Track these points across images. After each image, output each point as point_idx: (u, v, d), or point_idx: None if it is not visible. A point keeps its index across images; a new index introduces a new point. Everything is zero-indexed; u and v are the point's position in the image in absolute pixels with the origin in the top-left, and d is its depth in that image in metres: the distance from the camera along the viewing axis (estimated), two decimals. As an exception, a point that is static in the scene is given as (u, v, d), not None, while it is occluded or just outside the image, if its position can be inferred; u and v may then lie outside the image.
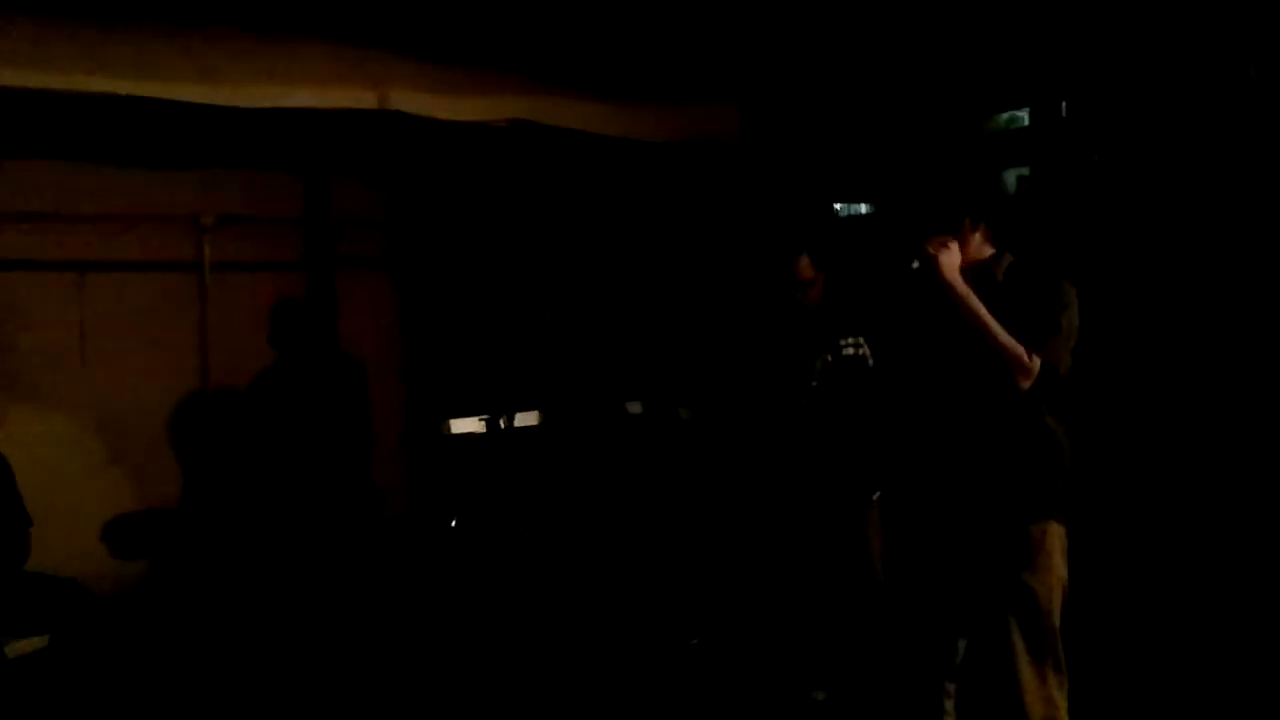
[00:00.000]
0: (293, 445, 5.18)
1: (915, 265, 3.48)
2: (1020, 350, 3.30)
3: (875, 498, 4.65)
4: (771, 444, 4.87)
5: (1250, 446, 4.51)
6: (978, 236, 3.52)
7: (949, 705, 3.57)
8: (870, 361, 4.64)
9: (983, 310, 3.35)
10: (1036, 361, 3.30)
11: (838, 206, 6.51)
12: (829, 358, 4.63)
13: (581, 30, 5.36)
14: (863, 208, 6.52)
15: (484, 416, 5.89)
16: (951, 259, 3.40)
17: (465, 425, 5.95)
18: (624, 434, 6.21)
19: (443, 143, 5.75)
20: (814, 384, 4.62)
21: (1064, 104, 5.45)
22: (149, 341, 5.60)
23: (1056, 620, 3.39)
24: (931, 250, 3.43)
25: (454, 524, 5.74)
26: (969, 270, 3.48)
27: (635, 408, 6.30)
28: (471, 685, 4.94)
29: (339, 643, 5.02)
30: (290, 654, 4.95)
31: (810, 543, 4.71)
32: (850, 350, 4.66)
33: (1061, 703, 3.39)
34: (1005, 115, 5.77)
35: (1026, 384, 3.31)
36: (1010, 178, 5.59)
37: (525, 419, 5.94)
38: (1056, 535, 3.40)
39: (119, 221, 5.51)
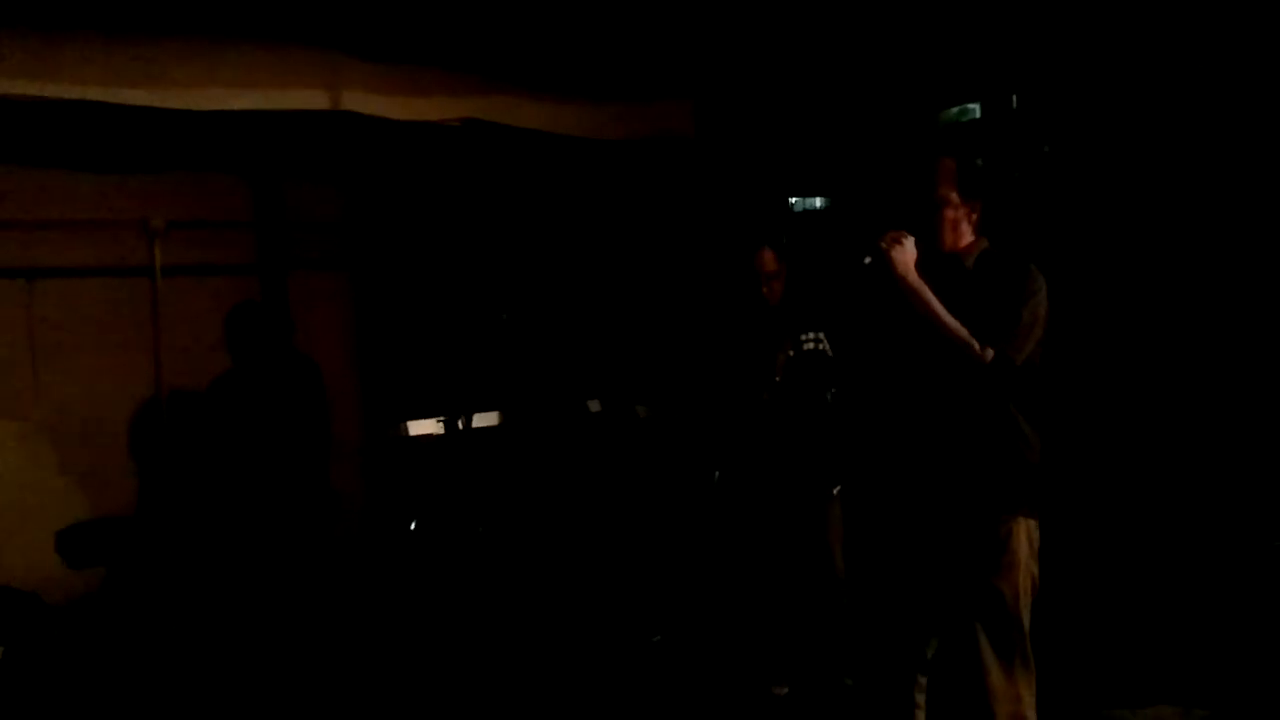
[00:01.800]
0: (249, 450, 5.13)
1: (867, 260, 3.46)
2: (971, 341, 3.29)
3: (836, 492, 4.67)
4: (734, 439, 4.87)
5: (1218, 436, 4.56)
6: (966, 225, 3.50)
7: (920, 698, 3.56)
8: (830, 356, 4.66)
9: (935, 303, 3.34)
10: (989, 352, 3.29)
11: (792, 200, 6.53)
12: (791, 352, 4.64)
13: (534, 29, 5.35)
14: (817, 202, 6.54)
15: (442, 418, 5.86)
16: (905, 254, 3.38)
17: (423, 427, 5.92)
18: (585, 432, 6.20)
19: (396, 143, 5.73)
20: (776, 379, 4.63)
21: (1015, 97, 5.50)
22: (101, 348, 5.54)
23: (1025, 618, 3.36)
24: (884, 245, 3.42)
25: (413, 526, 5.71)
26: (940, 260, 3.48)
27: (591, 406, 6.29)
28: (433, 686, 4.92)
29: (298, 648, 4.99)
30: (249, 660, 4.91)
31: (771, 537, 4.72)
32: (811, 345, 4.66)
33: (1029, 699, 3.37)
34: (955, 108, 5.81)
35: (980, 373, 3.32)
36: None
37: (484, 419, 5.92)
38: (1024, 532, 3.37)
39: (68, 227, 5.45)
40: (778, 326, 4.67)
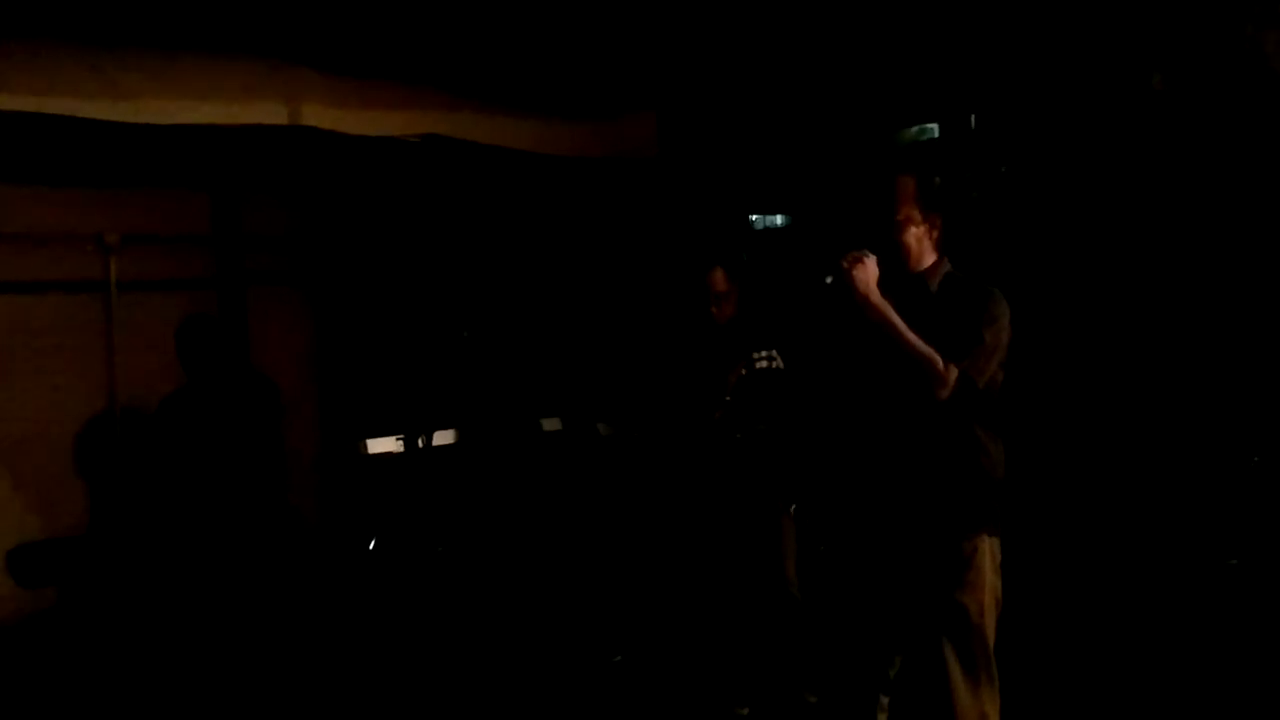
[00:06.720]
0: (203, 468, 5.07)
1: (829, 280, 3.47)
2: (936, 360, 3.30)
3: (792, 510, 4.66)
4: (684, 459, 4.86)
5: (1174, 451, 4.61)
6: (928, 242, 3.52)
7: (882, 718, 3.57)
8: (783, 374, 4.65)
9: (898, 322, 3.35)
10: (953, 372, 3.31)
11: (753, 218, 6.55)
12: (743, 371, 4.64)
13: (498, 45, 5.34)
14: (778, 219, 6.57)
15: (401, 436, 5.81)
16: (866, 274, 3.40)
17: (382, 445, 5.87)
18: (538, 451, 6.17)
19: (355, 158, 5.69)
20: (727, 398, 4.62)
21: (973, 117, 5.55)
22: (54, 364, 5.44)
23: (989, 635, 3.39)
24: (846, 264, 3.43)
25: (372, 545, 5.66)
26: (904, 281, 3.49)
27: (552, 424, 6.26)
28: (391, 707, 4.88)
29: (254, 669, 4.93)
30: (204, 681, 4.84)
31: (723, 556, 4.71)
32: (764, 363, 4.66)
33: (994, 716, 3.40)
34: (914, 128, 5.86)
35: (944, 393, 3.33)
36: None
37: (443, 438, 5.88)
38: (988, 549, 3.39)
39: (21, 240, 5.36)
40: (728, 345, 4.67)
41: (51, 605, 5.37)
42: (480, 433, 6.14)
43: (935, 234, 3.51)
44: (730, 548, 4.69)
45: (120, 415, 5.58)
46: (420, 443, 5.67)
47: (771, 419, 4.63)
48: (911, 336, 3.33)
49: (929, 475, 3.42)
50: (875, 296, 3.38)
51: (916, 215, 3.49)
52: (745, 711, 4.66)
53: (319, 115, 5.13)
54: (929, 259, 3.52)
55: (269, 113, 5.03)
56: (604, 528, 5.94)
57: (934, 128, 5.77)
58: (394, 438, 5.83)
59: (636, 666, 5.26)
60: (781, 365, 4.64)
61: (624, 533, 5.85)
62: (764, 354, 4.65)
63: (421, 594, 5.55)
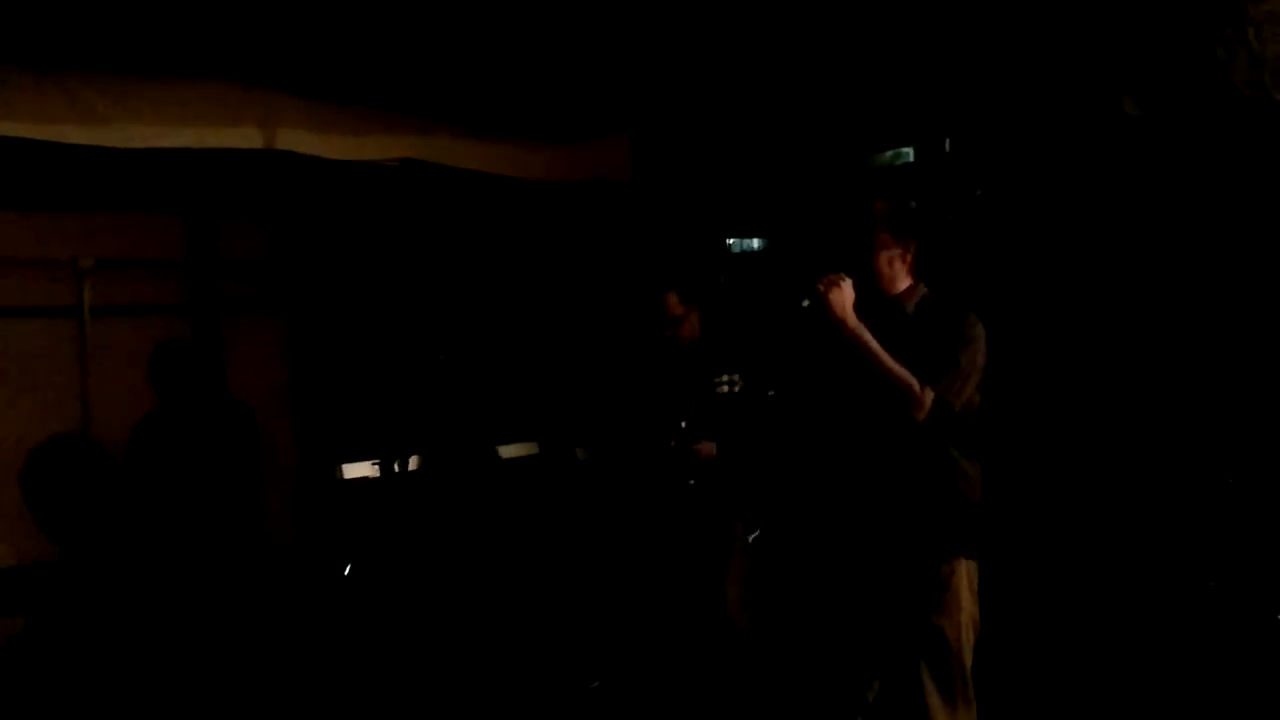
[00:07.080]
0: (176, 494, 5.02)
1: (805, 303, 3.48)
2: (913, 383, 3.32)
3: (752, 538, 4.62)
4: (641, 485, 4.82)
5: (1153, 474, 4.62)
6: (901, 267, 3.53)
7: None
8: (743, 398, 4.60)
9: (874, 345, 3.36)
10: (929, 395, 3.33)
11: (730, 242, 6.56)
12: (693, 405, 4.58)
13: (474, 70, 5.35)
14: (755, 243, 6.58)
15: (377, 461, 5.78)
16: (842, 297, 3.41)
17: (358, 470, 5.84)
18: (496, 478, 6.12)
19: (332, 182, 5.67)
20: (683, 425, 4.55)
21: (947, 141, 5.58)
22: (26, 389, 5.40)
23: (967, 659, 3.40)
24: (822, 288, 3.44)
25: (348, 571, 5.61)
26: (880, 304, 3.50)
27: (512, 451, 6.21)
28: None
29: (227, 695, 4.87)
30: (176, 708, 4.78)
31: (667, 583, 4.67)
32: (725, 388, 4.61)
33: None
34: (889, 152, 5.88)
35: (920, 416, 3.34)
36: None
37: (419, 462, 5.85)
38: (965, 572, 3.41)
39: (-8, 266, 5.33)
40: (688, 370, 4.63)
41: (19, 633, 5.30)
42: (438, 459, 6.10)
43: (910, 258, 3.53)
44: (674, 574, 4.64)
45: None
46: (396, 467, 5.64)
47: (731, 445, 4.59)
48: (887, 359, 3.34)
49: (906, 498, 3.42)
50: (851, 319, 3.40)
51: (891, 239, 3.51)
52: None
53: (295, 139, 5.11)
54: (904, 282, 3.54)
55: (244, 136, 5.00)
56: (580, 552, 5.91)
57: (909, 152, 5.79)
58: (370, 462, 5.80)
59: (615, 692, 5.22)
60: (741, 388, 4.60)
61: (598, 557, 5.82)
62: (726, 379, 4.61)
63: (397, 619, 5.50)
